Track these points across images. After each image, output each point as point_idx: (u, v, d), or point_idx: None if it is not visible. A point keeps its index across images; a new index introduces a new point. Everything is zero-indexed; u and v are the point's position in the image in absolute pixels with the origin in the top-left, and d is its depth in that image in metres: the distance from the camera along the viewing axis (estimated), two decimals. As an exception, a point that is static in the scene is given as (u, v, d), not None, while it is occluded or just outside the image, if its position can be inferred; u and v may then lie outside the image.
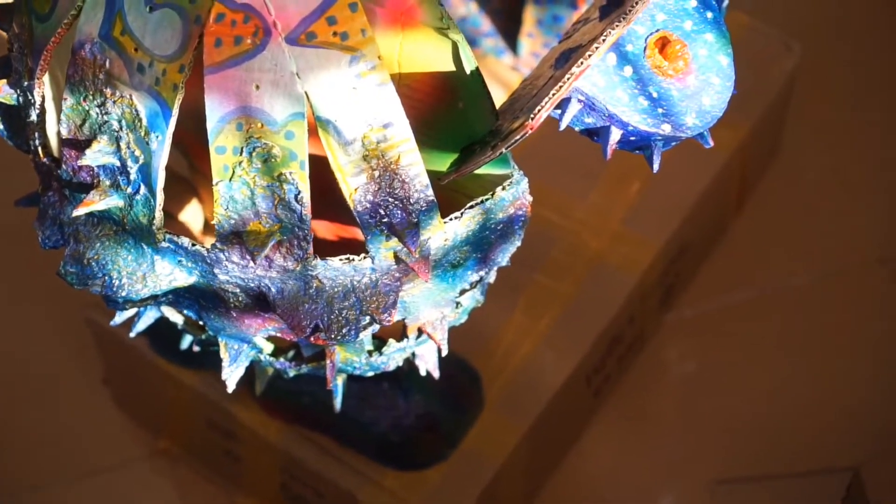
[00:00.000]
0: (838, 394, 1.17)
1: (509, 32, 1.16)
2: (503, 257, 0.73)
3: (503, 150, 0.64)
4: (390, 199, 0.64)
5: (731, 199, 1.20)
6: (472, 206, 0.67)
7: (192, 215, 0.88)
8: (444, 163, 0.71)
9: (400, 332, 0.76)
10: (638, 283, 1.07)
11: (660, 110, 0.66)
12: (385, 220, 0.64)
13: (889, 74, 1.36)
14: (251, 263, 0.65)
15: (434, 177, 0.69)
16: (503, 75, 1.16)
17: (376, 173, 0.63)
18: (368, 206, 0.64)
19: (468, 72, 0.66)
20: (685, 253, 1.14)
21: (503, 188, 0.68)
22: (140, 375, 1.06)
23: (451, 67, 0.67)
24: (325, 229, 0.84)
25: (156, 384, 1.05)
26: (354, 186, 0.63)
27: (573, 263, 1.06)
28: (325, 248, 0.84)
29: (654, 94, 0.66)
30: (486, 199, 0.68)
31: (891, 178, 1.29)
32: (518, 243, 0.73)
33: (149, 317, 0.76)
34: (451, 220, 0.67)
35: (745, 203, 1.24)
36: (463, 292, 0.73)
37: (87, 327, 1.06)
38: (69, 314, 1.14)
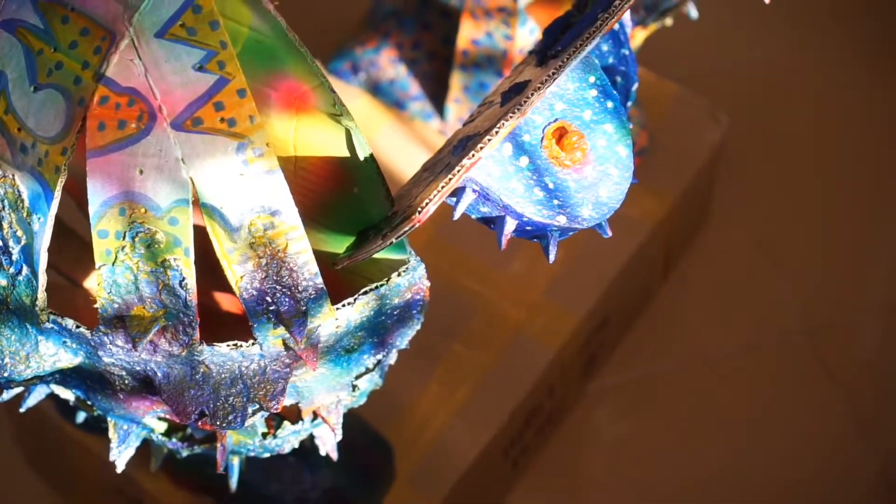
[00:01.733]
0: (761, 465, 1.16)
1: (437, 97, 1.15)
2: (402, 341, 0.72)
3: (393, 240, 0.63)
4: (278, 287, 0.63)
5: (656, 269, 1.20)
6: (365, 293, 0.66)
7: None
8: (341, 245, 0.70)
9: (296, 413, 0.75)
10: (558, 355, 1.06)
11: (556, 201, 0.65)
12: (272, 308, 0.63)
13: (815, 147, 1.37)
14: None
15: (331, 260, 0.69)
16: (430, 139, 1.15)
17: (263, 261, 0.62)
18: (255, 293, 0.63)
19: (362, 158, 0.65)
20: (608, 323, 1.13)
21: (399, 274, 0.67)
22: (50, 439, 1.04)
23: (346, 153, 0.66)
24: (230, 303, 0.82)
25: (65, 448, 1.03)
26: (240, 274, 0.62)
27: (492, 333, 1.05)
28: (230, 322, 0.83)
29: (551, 185, 0.66)
30: (381, 286, 0.67)
31: (816, 250, 1.29)
32: (418, 327, 0.72)
33: (39, 392, 0.74)
34: (343, 306, 0.66)
35: (672, 272, 1.24)
36: (360, 376, 0.72)
37: (-5, 388, 1.04)
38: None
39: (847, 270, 1.28)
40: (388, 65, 1.16)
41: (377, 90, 1.17)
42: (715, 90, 1.29)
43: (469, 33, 1.07)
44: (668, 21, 1.01)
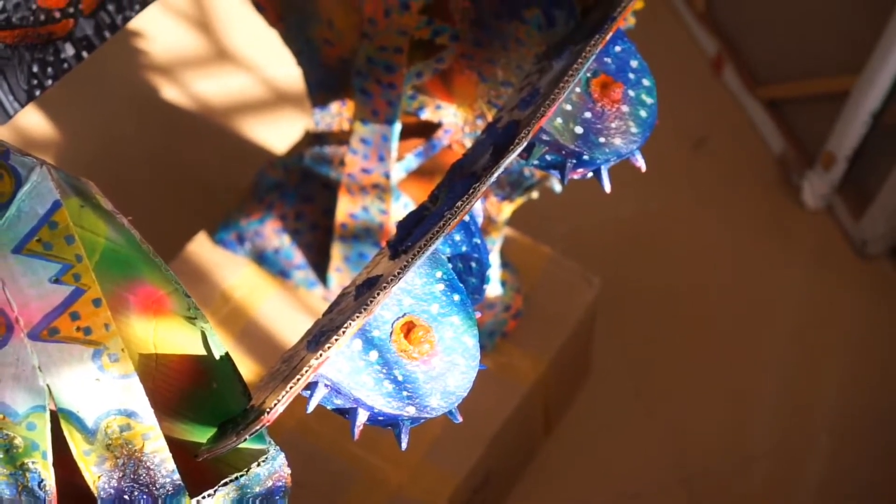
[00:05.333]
0: None
1: (320, 266, 1.19)
2: (270, 527, 0.74)
3: (246, 437, 0.66)
4: (135, 486, 0.65)
5: (537, 426, 1.24)
6: (225, 484, 0.69)
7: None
8: (205, 435, 0.72)
9: None
10: (439, 517, 1.08)
11: (405, 393, 0.69)
12: (130, 505, 0.65)
13: (688, 299, 1.43)
14: (-5, 551, 0.65)
15: (194, 450, 0.71)
16: (315, 307, 1.19)
17: (120, 461, 0.65)
18: (112, 492, 0.65)
19: (217, 357, 0.69)
20: (490, 481, 1.16)
21: (258, 464, 0.70)
22: None
23: (203, 352, 0.69)
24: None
25: None
26: (98, 474, 0.64)
27: (374, 499, 1.08)
28: None
29: (400, 377, 0.69)
30: (241, 476, 0.69)
31: (690, 400, 1.34)
32: (283, 511, 0.74)
33: None
34: (202, 499, 0.68)
35: (555, 427, 1.28)
36: (226, 562, 0.73)
37: None
38: None
39: (721, 418, 1.33)
40: (273, 235, 1.20)
41: (262, 260, 1.21)
42: (589, 248, 1.35)
43: (346, 207, 1.11)
44: (535, 194, 1.07)
